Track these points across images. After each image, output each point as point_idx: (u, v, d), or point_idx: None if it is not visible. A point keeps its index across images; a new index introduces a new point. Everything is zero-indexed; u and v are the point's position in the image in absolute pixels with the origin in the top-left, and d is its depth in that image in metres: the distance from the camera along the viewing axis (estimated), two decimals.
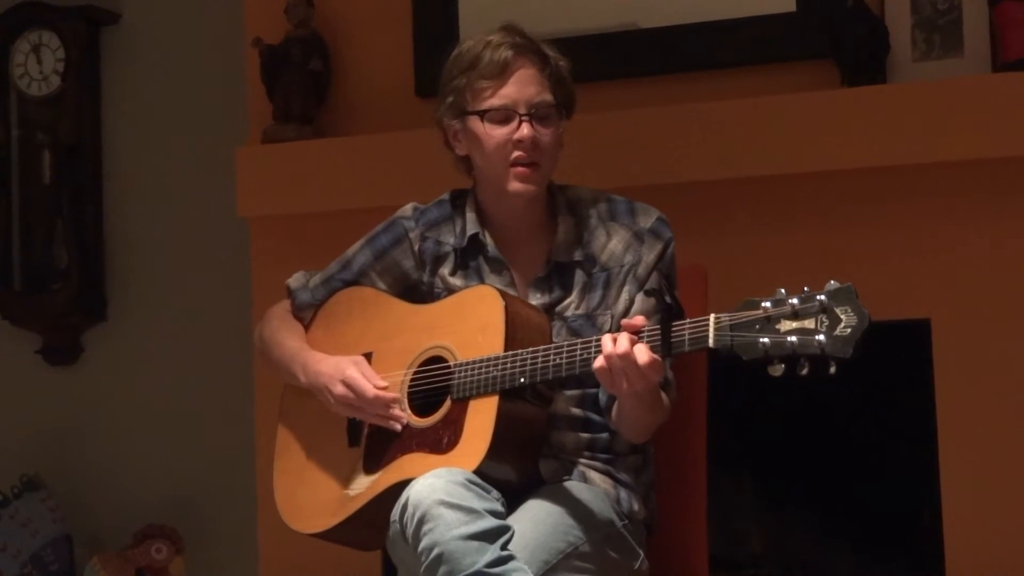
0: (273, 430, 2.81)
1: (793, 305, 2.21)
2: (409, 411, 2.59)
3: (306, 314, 2.79)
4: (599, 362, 2.36)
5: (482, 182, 2.68)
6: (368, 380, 2.59)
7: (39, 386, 4.50)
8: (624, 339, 2.34)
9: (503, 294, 2.55)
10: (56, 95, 4.46)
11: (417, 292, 2.71)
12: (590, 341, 2.42)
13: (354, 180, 3.70)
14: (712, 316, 2.28)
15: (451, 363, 2.55)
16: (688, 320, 2.32)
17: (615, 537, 2.56)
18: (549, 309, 2.62)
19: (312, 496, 2.69)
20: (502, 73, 2.59)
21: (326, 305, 2.78)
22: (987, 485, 3.28)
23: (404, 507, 2.36)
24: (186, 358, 4.35)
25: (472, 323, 2.55)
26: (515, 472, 2.50)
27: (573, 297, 2.63)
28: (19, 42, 4.50)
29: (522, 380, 2.46)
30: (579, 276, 2.64)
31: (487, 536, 2.30)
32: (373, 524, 2.53)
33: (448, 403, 2.53)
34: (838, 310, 2.19)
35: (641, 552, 2.61)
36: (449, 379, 2.54)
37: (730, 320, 2.26)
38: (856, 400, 3.43)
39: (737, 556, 3.69)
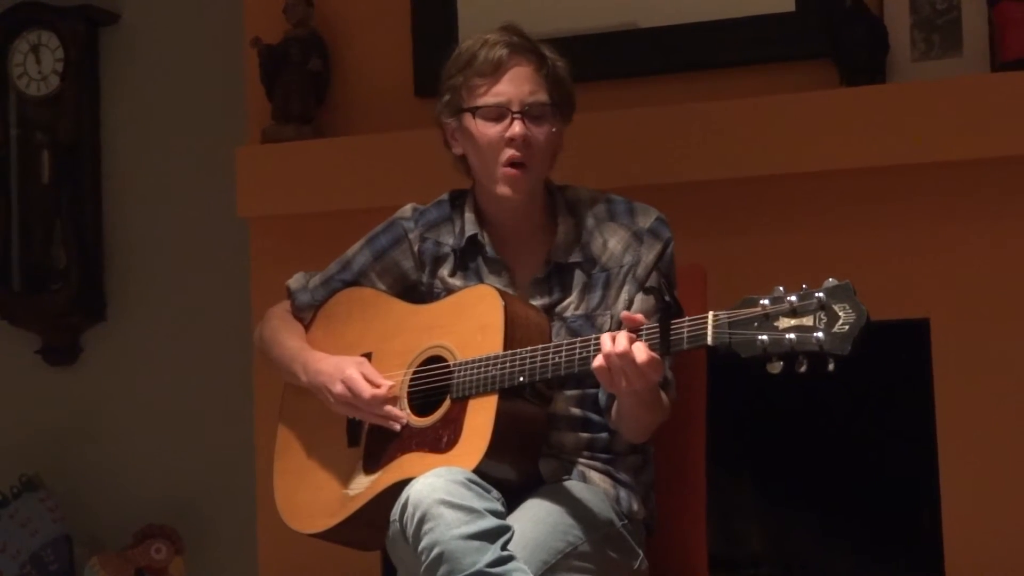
0: (273, 430, 2.81)
1: (791, 302, 2.21)
2: (409, 411, 2.59)
3: (306, 315, 2.80)
4: (598, 361, 2.36)
5: (478, 182, 2.69)
6: (369, 380, 2.59)
7: (38, 386, 4.50)
8: (623, 338, 2.34)
9: (502, 294, 2.55)
10: (55, 95, 4.45)
11: (417, 292, 2.72)
12: (589, 340, 2.42)
13: (353, 180, 3.70)
14: (710, 314, 2.28)
15: (451, 363, 2.55)
16: (687, 318, 2.32)
17: (615, 537, 2.56)
18: (549, 310, 2.62)
19: (312, 496, 2.69)
20: (496, 71, 2.59)
21: (326, 306, 2.78)
22: (986, 485, 3.28)
23: (404, 507, 2.36)
24: (186, 358, 4.35)
25: (471, 323, 2.55)
26: (515, 471, 2.50)
27: (573, 298, 2.64)
28: (18, 42, 4.50)
29: (521, 379, 2.46)
30: (578, 276, 2.64)
31: (487, 536, 2.31)
32: (373, 524, 2.53)
33: (448, 402, 2.53)
34: (836, 307, 2.19)
35: (641, 552, 2.61)
36: (449, 379, 2.54)
37: (728, 318, 2.26)
38: (855, 400, 3.43)
39: (737, 556, 3.69)
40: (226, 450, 4.22)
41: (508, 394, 2.47)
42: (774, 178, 3.41)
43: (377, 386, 2.58)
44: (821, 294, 2.20)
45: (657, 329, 2.33)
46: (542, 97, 2.61)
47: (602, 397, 2.60)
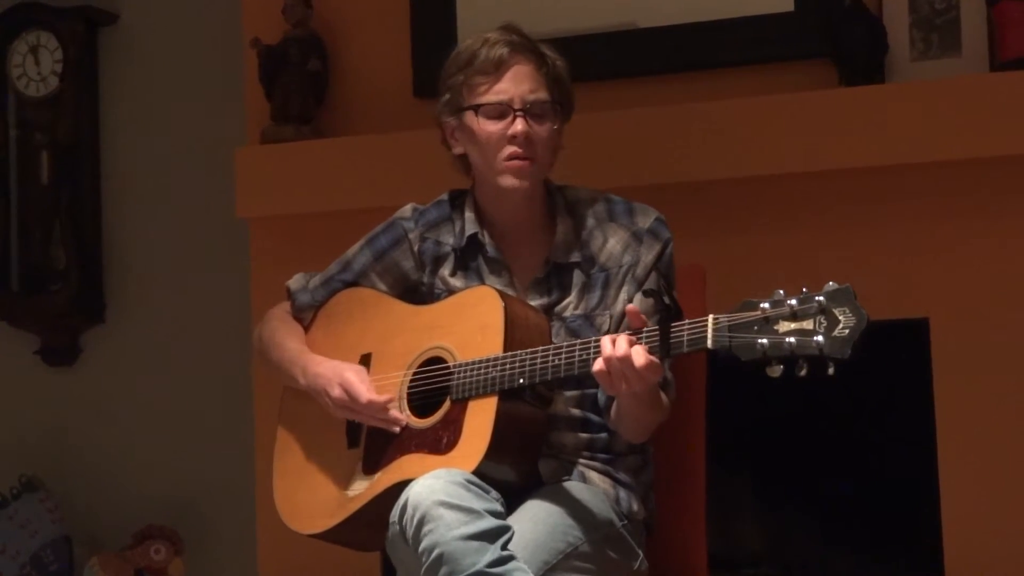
0: (272, 431, 2.81)
1: (791, 306, 2.21)
2: (408, 412, 2.59)
3: (306, 315, 2.80)
4: (598, 365, 2.36)
5: (479, 180, 2.69)
6: (364, 385, 2.59)
7: (38, 387, 4.50)
8: (623, 341, 2.34)
9: (502, 295, 2.55)
10: (54, 96, 4.45)
11: (417, 293, 2.72)
12: (589, 342, 2.42)
13: (353, 180, 3.70)
14: (710, 317, 2.28)
15: (450, 364, 2.55)
16: (687, 321, 2.32)
17: (614, 537, 2.56)
18: (548, 310, 2.62)
19: (311, 497, 2.69)
20: (498, 69, 2.60)
21: (326, 306, 2.78)
22: (986, 484, 3.28)
23: (404, 508, 2.36)
24: (185, 359, 4.35)
25: (472, 324, 2.55)
26: (514, 472, 2.50)
27: (572, 298, 2.64)
28: (17, 43, 4.50)
29: (521, 381, 2.46)
30: (578, 277, 2.65)
31: (487, 536, 2.31)
32: (372, 525, 2.53)
33: (447, 404, 2.53)
34: (836, 311, 2.19)
35: (640, 552, 2.61)
36: (448, 380, 2.54)
37: (728, 321, 2.26)
38: (855, 400, 3.43)
39: (736, 556, 3.69)
40: (226, 451, 4.22)
41: (508, 395, 2.47)
42: (773, 178, 3.41)
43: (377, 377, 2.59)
44: (821, 298, 2.20)
45: (657, 332, 2.33)
46: (543, 95, 2.62)
47: (601, 397, 2.60)
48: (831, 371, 2.18)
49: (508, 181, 2.61)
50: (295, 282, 2.82)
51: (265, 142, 3.82)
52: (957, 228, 3.32)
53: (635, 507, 2.61)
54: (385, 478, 2.55)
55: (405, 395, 2.61)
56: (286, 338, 2.76)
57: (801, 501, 3.63)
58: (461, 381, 2.51)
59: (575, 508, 2.50)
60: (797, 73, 3.48)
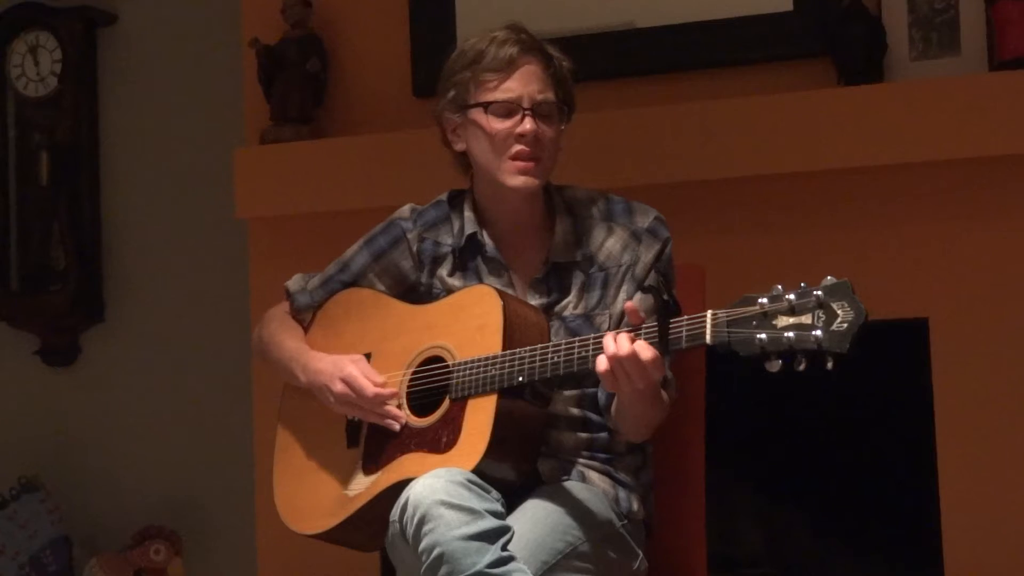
0: (272, 431, 2.81)
1: (790, 301, 2.21)
2: (408, 411, 2.59)
3: (305, 316, 2.80)
4: (602, 364, 2.36)
5: (480, 179, 2.69)
6: (367, 378, 2.59)
7: (37, 387, 4.50)
8: (624, 338, 2.35)
9: (501, 294, 2.55)
10: (53, 96, 4.45)
11: (416, 293, 2.72)
12: (588, 340, 2.42)
13: (352, 181, 3.70)
14: (709, 313, 2.28)
15: (450, 363, 2.55)
16: (685, 317, 2.32)
17: (614, 537, 2.56)
18: (548, 310, 2.62)
19: (311, 497, 2.69)
20: (508, 67, 2.60)
21: (325, 307, 2.78)
22: (985, 484, 3.28)
23: (404, 507, 2.36)
24: (185, 359, 4.35)
25: (471, 323, 2.56)
26: (514, 471, 2.50)
27: (571, 297, 2.64)
28: (16, 43, 4.50)
29: (520, 379, 2.46)
30: (577, 276, 2.65)
31: (488, 536, 2.31)
32: (372, 524, 2.53)
33: (447, 403, 2.53)
34: (834, 305, 2.19)
35: (640, 552, 2.61)
36: (448, 379, 2.54)
37: (727, 316, 2.26)
38: (854, 399, 3.43)
39: (736, 556, 3.69)
40: (225, 451, 4.22)
41: (507, 394, 2.47)
42: (772, 178, 3.41)
43: (377, 383, 2.58)
44: (819, 292, 2.20)
45: (656, 328, 2.33)
46: (550, 96, 2.62)
47: (602, 397, 2.60)
48: (830, 365, 2.18)
49: (515, 179, 2.61)
50: (294, 283, 2.82)
51: (264, 142, 3.82)
52: (957, 228, 3.32)
53: (635, 507, 2.61)
54: (385, 478, 2.55)
55: (405, 394, 2.61)
56: (286, 337, 2.76)
57: (801, 501, 3.63)
58: (460, 380, 2.52)
59: (575, 508, 2.50)
60: (796, 73, 3.48)
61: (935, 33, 3.41)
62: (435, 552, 2.30)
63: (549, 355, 2.45)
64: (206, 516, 4.30)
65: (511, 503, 2.46)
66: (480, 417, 2.47)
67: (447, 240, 2.70)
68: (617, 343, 2.34)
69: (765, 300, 2.23)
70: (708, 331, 2.27)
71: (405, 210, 2.76)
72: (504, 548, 2.32)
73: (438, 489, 2.33)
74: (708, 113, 3.44)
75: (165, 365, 4.37)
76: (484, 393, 2.48)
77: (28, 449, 4.44)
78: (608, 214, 2.68)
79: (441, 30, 3.70)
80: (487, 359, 2.49)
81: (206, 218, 4.32)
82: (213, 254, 4.31)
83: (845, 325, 2.17)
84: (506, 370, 2.47)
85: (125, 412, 4.41)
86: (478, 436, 2.45)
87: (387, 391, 2.58)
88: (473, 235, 2.67)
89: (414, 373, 2.61)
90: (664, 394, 2.54)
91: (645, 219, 2.67)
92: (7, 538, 4.17)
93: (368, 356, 2.68)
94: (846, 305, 2.18)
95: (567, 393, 2.60)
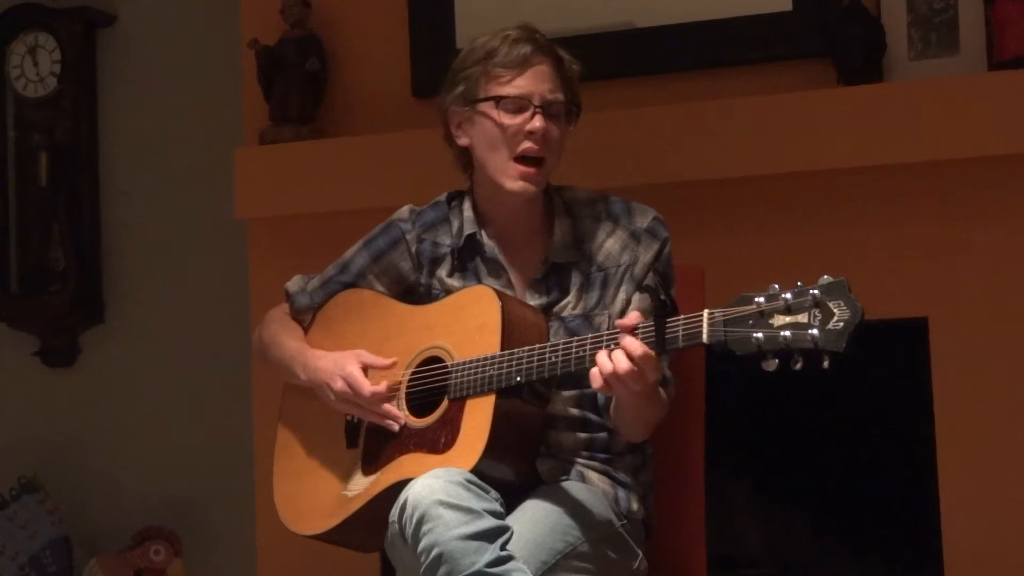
0: (272, 432, 2.81)
1: (786, 300, 2.21)
2: (407, 411, 2.59)
3: (305, 317, 2.80)
4: (596, 381, 2.35)
5: (481, 178, 2.68)
6: (371, 364, 2.59)
7: (37, 388, 4.50)
8: (619, 352, 2.34)
9: (500, 294, 2.55)
10: (53, 97, 4.46)
11: (415, 293, 2.72)
12: (585, 339, 2.42)
13: (351, 181, 3.70)
14: (706, 312, 2.28)
15: (448, 363, 2.55)
16: (682, 316, 2.32)
17: (614, 537, 2.56)
18: (547, 310, 2.62)
19: (311, 497, 2.69)
20: (522, 65, 2.60)
21: (324, 308, 2.78)
22: (985, 483, 3.28)
23: (403, 508, 2.36)
24: (184, 360, 4.35)
25: (469, 323, 2.56)
26: (513, 472, 2.50)
27: (570, 297, 2.64)
28: (15, 44, 4.51)
29: (518, 379, 2.46)
30: (576, 276, 2.65)
31: (486, 536, 2.31)
32: (372, 525, 2.53)
33: (445, 403, 2.54)
34: (831, 304, 2.19)
35: (640, 552, 2.61)
36: (446, 379, 2.54)
37: (723, 315, 2.26)
38: (854, 399, 3.43)
39: (735, 556, 3.69)
40: (225, 452, 4.22)
41: (505, 394, 2.47)
42: (771, 178, 3.41)
43: (380, 367, 2.58)
44: (816, 291, 2.20)
45: (652, 327, 2.33)
46: (560, 96, 2.63)
47: (601, 397, 2.60)
48: (826, 364, 2.18)
49: (516, 184, 2.61)
50: (293, 284, 2.82)
51: (264, 143, 3.82)
52: (956, 228, 3.32)
53: (634, 507, 2.61)
54: (384, 478, 2.56)
55: (404, 395, 2.61)
56: (286, 337, 2.76)
57: (800, 501, 3.63)
58: (458, 380, 2.52)
59: (574, 508, 2.50)
60: (795, 72, 3.48)
61: (934, 33, 3.41)
62: (434, 552, 2.30)
63: (547, 355, 2.45)
64: (206, 516, 4.30)
65: (511, 503, 2.46)
66: (478, 417, 2.47)
67: (446, 241, 2.70)
68: (613, 359, 2.34)
69: (762, 299, 2.23)
70: (705, 330, 2.27)
71: (404, 211, 2.76)
72: (503, 548, 2.32)
73: (437, 489, 2.34)
74: (708, 113, 3.44)
75: (165, 365, 4.37)
76: (482, 393, 2.48)
77: (28, 449, 4.44)
78: (607, 214, 2.68)
79: (440, 31, 3.70)
80: (485, 359, 2.49)
81: (206, 218, 4.32)
82: (213, 254, 4.31)
83: (841, 324, 2.17)
84: (504, 370, 2.47)
85: (125, 412, 4.41)
86: (476, 436, 2.45)
87: (384, 390, 2.58)
88: (472, 235, 2.67)
89: (413, 373, 2.61)
90: (663, 393, 2.54)
91: (644, 219, 2.67)
92: (7, 538, 4.17)
93: None
94: (842, 304, 2.18)
95: (566, 393, 2.60)
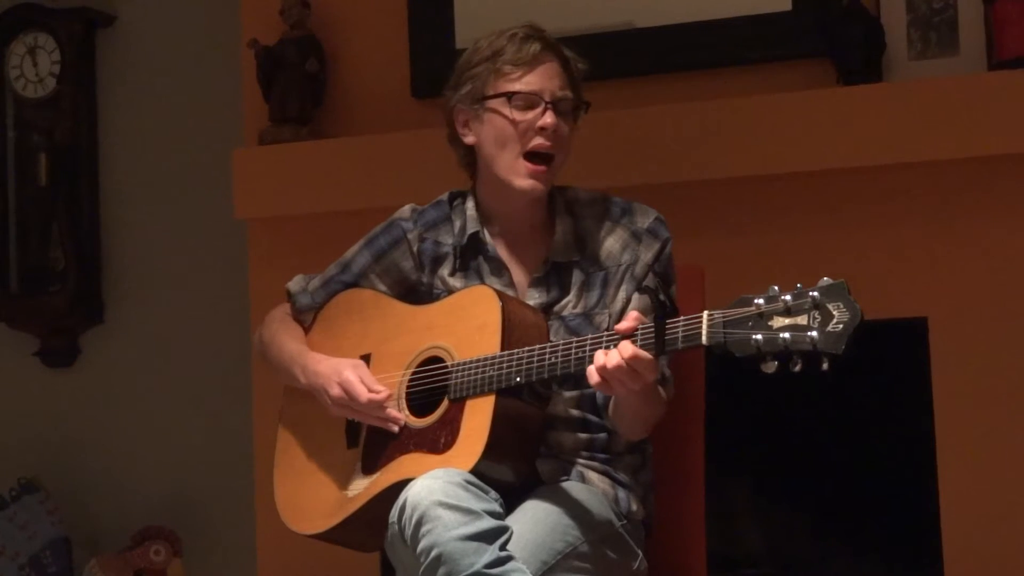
0: (272, 432, 2.82)
1: (786, 302, 2.21)
2: (407, 411, 2.59)
3: (306, 317, 2.80)
4: (593, 377, 2.35)
5: (486, 177, 2.68)
6: (364, 383, 2.59)
7: (37, 388, 4.50)
8: (614, 351, 2.34)
9: (500, 295, 2.55)
10: (52, 97, 4.46)
11: (417, 293, 2.72)
12: (585, 340, 2.42)
13: (351, 181, 3.70)
14: (705, 313, 2.28)
15: (448, 363, 2.55)
16: (681, 317, 2.32)
17: (613, 537, 2.56)
18: (547, 309, 2.62)
19: (311, 497, 2.69)
20: (531, 62, 2.61)
21: (326, 308, 2.78)
22: (985, 483, 3.28)
23: (402, 508, 2.36)
24: (184, 360, 4.35)
25: (470, 323, 2.56)
26: (513, 472, 2.50)
27: (571, 297, 2.64)
28: (15, 44, 4.51)
29: (518, 379, 2.46)
30: (577, 276, 2.65)
31: (486, 537, 2.31)
32: (371, 525, 2.53)
33: (445, 403, 2.54)
34: (830, 306, 2.18)
35: (640, 552, 2.61)
36: (447, 379, 2.54)
37: (723, 317, 2.26)
38: (853, 399, 3.43)
39: (735, 556, 3.69)
40: (225, 451, 4.22)
41: (505, 394, 2.47)
42: (771, 178, 3.41)
43: (374, 391, 2.59)
44: (815, 293, 2.20)
45: (652, 329, 2.33)
46: (569, 94, 2.63)
47: (600, 397, 2.60)
48: (825, 366, 2.18)
49: (524, 182, 2.61)
50: (295, 284, 2.82)
51: (263, 143, 3.82)
52: (956, 227, 3.32)
53: (634, 507, 2.61)
54: (384, 478, 2.56)
55: (404, 395, 2.61)
56: (286, 338, 2.76)
57: (800, 501, 3.63)
58: (459, 380, 2.52)
59: (574, 508, 2.50)
60: (795, 72, 3.48)
61: (934, 33, 3.41)
62: (433, 553, 2.30)
63: (547, 355, 2.45)
64: (206, 516, 4.30)
65: (511, 503, 2.46)
66: (478, 418, 2.47)
67: (447, 240, 2.70)
68: (607, 356, 2.34)
69: (761, 301, 2.23)
70: (704, 332, 2.27)
71: (405, 210, 2.76)
72: (503, 548, 2.32)
73: (436, 490, 2.34)
74: (707, 113, 3.44)
75: (165, 366, 4.37)
76: (482, 394, 2.48)
77: (28, 450, 4.44)
78: (608, 214, 2.68)
79: (440, 31, 3.70)
80: (485, 360, 2.49)
81: (205, 218, 4.32)
82: (212, 255, 4.31)
83: (841, 326, 2.17)
84: (504, 370, 2.47)
85: (124, 413, 4.41)
86: (476, 437, 2.45)
87: (381, 396, 2.58)
88: (475, 234, 2.67)
89: (413, 374, 2.61)
90: (662, 391, 2.54)
91: (645, 219, 2.67)
92: (7, 539, 4.17)
93: (368, 357, 2.68)
94: (842, 306, 2.18)
95: (566, 394, 2.60)
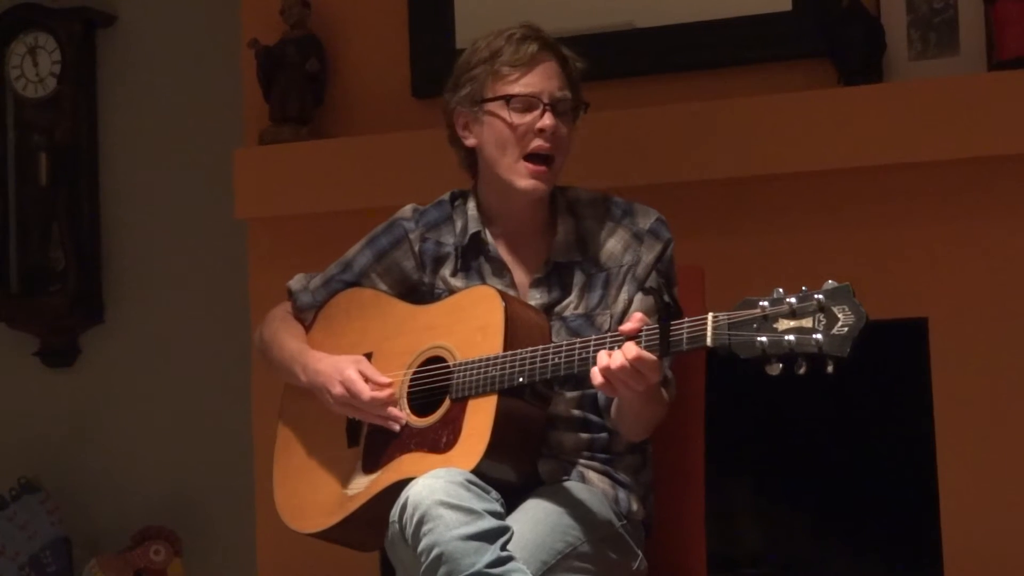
0: (271, 431, 2.81)
1: (791, 304, 2.21)
2: (408, 411, 2.59)
3: (307, 315, 2.80)
4: (597, 378, 2.35)
5: (488, 177, 2.68)
6: (369, 379, 2.59)
7: (37, 388, 4.50)
8: (618, 352, 2.35)
9: (503, 295, 2.55)
10: (52, 97, 4.46)
11: (418, 293, 2.72)
12: (589, 341, 2.42)
13: (351, 181, 3.70)
14: (710, 315, 2.28)
15: (450, 363, 2.55)
16: (686, 319, 2.32)
17: (614, 537, 2.56)
18: (548, 309, 2.62)
19: (311, 496, 2.69)
20: (529, 63, 2.60)
21: (326, 307, 2.78)
22: (985, 483, 3.28)
23: (403, 508, 2.36)
24: (184, 360, 4.35)
25: (472, 323, 2.56)
26: (514, 472, 2.50)
27: (572, 297, 2.64)
28: (15, 44, 4.51)
29: (521, 380, 2.46)
30: (578, 276, 2.65)
31: (486, 536, 2.31)
32: (372, 524, 2.53)
33: (447, 403, 2.54)
34: (835, 309, 2.19)
35: (640, 552, 2.61)
36: (448, 379, 2.54)
37: (728, 319, 2.26)
38: (854, 399, 3.44)
39: (735, 556, 3.69)
40: (225, 451, 4.22)
41: (507, 395, 2.47)
42: (771, 178, 3.42)
43: (377, 385, 2.59)
44: (820, 296, 2.20)
45: (656, 330, 2.33)
46: (568, 94, 2.63)
47: (602, 398, 2.60)
48: (830, 369, 2.18)
49: (525, 182, 2.61)
50: (296, 282, 2.82)
51: (263, 143, 3.82)
52: (957, 228, 3.32)
53: (634, 507, 2.61)
54: (385, 477, 2.56)
55: (405, 394, 2.61)
56: (287, 337, 2.76)
57: (800, 501, 3.64)
58: (461, 380, 2.52)
59: (574, 508, 2.50)
60: (795, 73, 3.48)
61: (934, 33, 3.41)
62: (434, 552, 2.30)
63: (550, 356, 2.45)
64: (206, 516, 4.30)
65: (511, 503, 2.46)
66: (480, 418, 2.47)
67: (449, 240, 2.70)
68: (611, 357, 2.34)
69: (766, 303, 2.23)
70: (709, 333, 2.27)
71: (407, 210, 2.76)
72: (503, 548, 2.32)
73: (437, 489, 2.33)
74: (708, 113, 3.44)
75: (165, 366, 4.37)
76: (484, 394, 2.48)
77: (28, 450, 4.44)
78: (610, 215, 2.68)
79: (440, 31, 3.70)
80: (488, 360, 2.49)
81: (205, 218, 4.32)
82: (212, 254, 4.31)
83: (846, 329, 2.17)
84: (506, 371, 2.47)
85: (124, 412, 4.41)
86: (478, 437, 2.45)
87: (384, 394, 2.58)
88: (477, 234, 2.67)
89: (415, 373, 2.61)
90: (664, 393, 2.54)
91: (647, 220, 2.67)
92: (7, 539, 4.17)
93: (369, 356, 2.68)
94: (847, 309, 2.18)
95: (568, 395, 2.60)
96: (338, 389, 2.60)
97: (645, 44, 3.60)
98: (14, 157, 4.50)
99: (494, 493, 2.40)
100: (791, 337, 2.19)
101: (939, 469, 3.32)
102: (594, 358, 2.38)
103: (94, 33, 4.49)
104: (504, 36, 2.63)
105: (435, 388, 2.56)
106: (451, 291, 2.67)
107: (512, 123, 2.60)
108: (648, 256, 2.63)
